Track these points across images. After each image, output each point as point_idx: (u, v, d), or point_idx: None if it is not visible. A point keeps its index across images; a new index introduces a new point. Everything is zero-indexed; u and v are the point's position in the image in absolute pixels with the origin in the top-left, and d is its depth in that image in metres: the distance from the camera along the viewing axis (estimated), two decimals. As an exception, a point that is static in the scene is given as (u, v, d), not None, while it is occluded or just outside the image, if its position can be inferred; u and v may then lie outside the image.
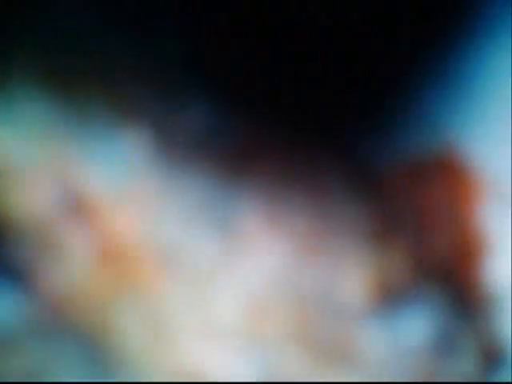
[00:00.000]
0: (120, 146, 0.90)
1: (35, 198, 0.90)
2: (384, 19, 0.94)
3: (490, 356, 0.96)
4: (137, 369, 0.89)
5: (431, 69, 0.96)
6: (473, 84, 0.97)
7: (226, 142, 0.92)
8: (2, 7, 0.84)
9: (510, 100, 0.96)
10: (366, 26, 0.93)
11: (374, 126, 0.95)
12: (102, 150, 0.90)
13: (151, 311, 0.90)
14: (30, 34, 0.89)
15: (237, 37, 0.90)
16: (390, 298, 0.94)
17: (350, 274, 0.94)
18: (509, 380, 0.95)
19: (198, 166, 0.91)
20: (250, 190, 0.92)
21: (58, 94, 0.90)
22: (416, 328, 0.94)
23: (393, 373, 0.93)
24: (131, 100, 0.91)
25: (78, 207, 0.90)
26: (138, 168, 0.91)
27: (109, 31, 0.88)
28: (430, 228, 0.95)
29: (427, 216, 0.95)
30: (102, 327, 0.90)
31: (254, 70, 0.90)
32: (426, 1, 0.95)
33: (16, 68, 0.89)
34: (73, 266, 0.90)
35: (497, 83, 0.97)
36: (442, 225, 0.95)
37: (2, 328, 0.89)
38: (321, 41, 0.91)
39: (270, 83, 0.91)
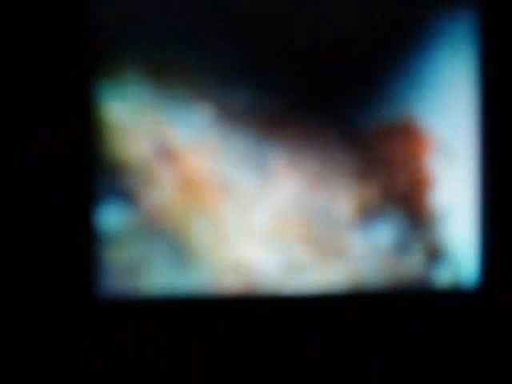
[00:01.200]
0: (194, 114, 1.32)
1: (138, 146, 1.31)
2: (370, 30, 1.35)
3: (435, 254, 1.39)
4: (204, 260, 1.33)
5: (399, 62, 1.37)
6: (426, 73, 1.38)
7: (262, 114, 1.34)
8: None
9: (451, 86, 1.38)
10: (353, 37, 1.34)
11: (358, 101, 1.35)
12: (183, 116, 1.32)
13: (214, 221, 1.33)
14: (137, 37, 1.30)
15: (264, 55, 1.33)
16: (367, 215, 1.37)
17: (341, 199, 1.36)
18: (448, 272, 1.37)
19: (244, 128, 1.33)
20: (277, 144, 1.35)
21: (155, 79, 1.31)
22: (384, 235, 1.37)
23: (368, 263, 1.37)
24: (202, 86, 1.32)
25: (166, 153, 1.32)
26: (206, 128, 1.33)
27: (187, 46, 1.30)
28: (394, 170, 1.37)
29: (393, 162, 1.37)
30: (182, 232, 1.33)
31: (278, 73, 1.32)
32: (391, 15, 1.35)
33: (128, 60, 1.30)
34: (163, 191, 1.32)
35: (442, 74, 1.38)
36: (403, 168, 1.37)
37: (116, 229, 1.31)
38: (320, 58, 1.32)
39: (289, 79, 1.33)
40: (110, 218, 1.31)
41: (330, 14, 1.34)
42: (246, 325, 1.34)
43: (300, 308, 1.35)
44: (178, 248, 1.32)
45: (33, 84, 1.27)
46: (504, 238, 1.38)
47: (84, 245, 1.29)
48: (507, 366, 1.38)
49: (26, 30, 1.26)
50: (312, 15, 1.34)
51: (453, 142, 1.38)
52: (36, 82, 1.27)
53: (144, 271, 1.32)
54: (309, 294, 1.35)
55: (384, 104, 1.36)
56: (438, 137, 1.38)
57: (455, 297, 1.38)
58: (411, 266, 1.38)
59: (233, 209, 1.33)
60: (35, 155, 1.28)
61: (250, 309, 1.34)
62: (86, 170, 1.29)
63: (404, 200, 1.38)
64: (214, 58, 1.32)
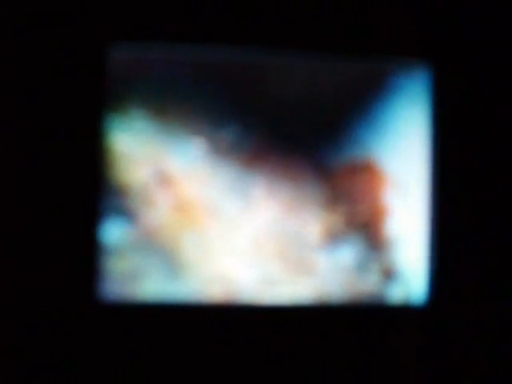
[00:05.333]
0: (188, 147, 1.46)
1: (139, 172, 1.45)
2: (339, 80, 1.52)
3: (390, 274, 1.52)
4: (192, 271, 1.47)
5: (362, 110, 1.51)
6: (384, 120, 1.52)
7: (245, 149, 1.48)
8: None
9: (405, 131, 1.54)
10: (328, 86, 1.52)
11: (327, 142, 1.49)
12: (178, 148, 1.45)
13: (202, 239, 1.46)
14: (143, 80, 1.48)
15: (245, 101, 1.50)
16: (332, 238, 1.50)
17: (310, 224, 1.49)
18: (400, 289, 1.51)
19: (230, 161, 1.48)
20: (258, 175, 1.47)
21: (156, 116, 1.46)
22: (346, 256, 1.50)
23: (332, 280, 1.52)
24: (196, 124, 1.47)
25: (163, 179, 1.45)
26: (198, 159, 1.46)
27: (185, 91, 1.47)
28: (356, 201, 1.51)
29: (355, 194, 1.51)
30: (174, 247, 1.45)
31: (260, 116, 1.49)
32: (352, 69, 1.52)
33: (134, 99, 1.47)
34: (158, 211, 1.45)
35: (398, 120, 1.53)
36: (363, 200, 1.51)
37: (117, 242, 1.44)
38: (295, 104, 1.49)
39: (269, 121, 1.48)
40: (113, 232, 1.44)
41: (305, 68, 1.50)
42: (226, 329, 1.49)
43: (273, 316, 1.49)
44: (170, 261, 1.45)
45: (55, 116, 1.44)
46: (449, 261, 1.51)
47: (89, 255, 1.43)
48: (451, 373, 1.55)
49: (51, 71, 1.44)
50: (289, 68, 1.50)
51: (406, 179, 1.52)
52: (58, 115, 1.43)
53: (140, 279, 1.45)
54: (281, 305, 1.48)
55: (349, 145, 1.51)
56: (393, 174, 1.52)
57: (406, 311, 1.51)
58: (369, 283, 1.51)
59: (218, 229, 1.47)
60: (52, 176, 1.43)
61: (230, 315, 1.47)
62: (94, 191, 1.44)
63: (364, 227, 1.52)
64: (206, 101, 1.47)
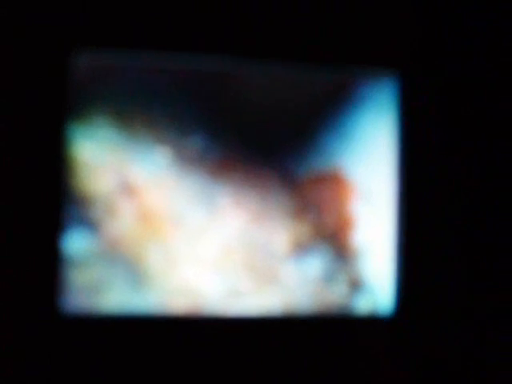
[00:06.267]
0: (153, 155, 1.43)
1: (103, 181, 1.42)
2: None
3: (357, 285, 1.51)
4: (157, 283, 1.45)
5: (329, 120, 1.52)
6: (352, 130, 1.52)
7: (212, 158, 1.45)
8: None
9: (373, 141, 1.54)
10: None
11: (294, 152, 1.48)
12: (143, 157, 1.43)
13: (166, 249, 1.43)
14: (107, 87, 1.45)
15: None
16: (300, 249, 1.49)
17: (277, 234, 1.48)
18: (367, 300, 1.51)
19: (196, 170, 1.47)
20: (225, 184, 1.46)
21: (121, 124, 1.43)
22: (314, 266, 1.49)
23: (299, 291, 1.51)
24: (161, 132, 1.44)
25: (127, 188, 1.42)
26: (163, 168, 1.44)
27: (150, 99, 1.45)
28: (323, 211, 1.50)
29: (322, 204, 1.50)
30: (138, 258, 1.42)
31: (227, 124, 1.48)
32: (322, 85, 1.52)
33: (98, 106, 1.44)
34: (122, 222, 1.42)
35: (365, 130, 1.54)
36: (330, 210, 1.50)
37: (80, 253, 1.41)
38: (263, 113, 1.48)
39: (237, 130, 1.47)
40: (75, 243, 1.41)
41: (272, 77, 1.49)
42: (191, 342, 1.46)
43: (239, 328, 1.48)
44: (135, 272, 1.42)
45: (16, 123, 1.40)
46: (416, 271, 1.50)
47: (51, 266, 1.39)
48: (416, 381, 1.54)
49: (11, 76, 1.40)
50: (258, 77, 1.48)
51: (373, 189, 1.51)
52: (19, 122, 1.40)
53: (103, 291, 1.41)
54: (247, 316, 1.46)
55: (316, 155, 1.50)
56: (360, 184, 1.51)
57: (373, 322, 1.50)
58: (336, 294, 1.50)
59: (183, 239, 1.44)
60: (13, 185, 1.39)
61: (195, 327, 1.46)
62: (57, 200, 1.40)
63: (331, 237, 1.50)
64: (172, 109, 1.44)
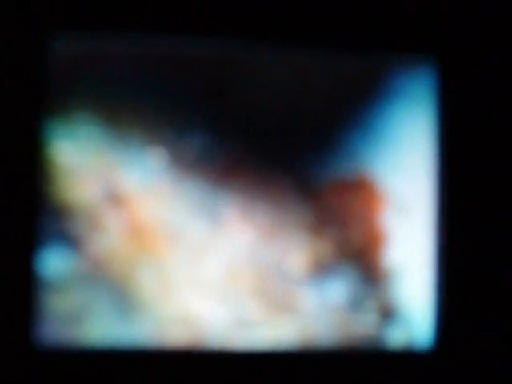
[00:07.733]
0: (146, 159, 1.26)
1: (86, 189, 1.25)
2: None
3: (389, 313, 1.36)
4: (150, 310, 1.26)
5: (356, 117, 1.35)
6: (383, 128, 1.35)
7: (215, 162, 1.28)
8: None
9: (408, 141, 1.36)
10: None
11: (313, 153, 1.32)
12: (134, 160, 1.26)
13: (162, 271, 1.26)
14: (91, 77, 1.27)
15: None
16: (320, 270, 1.32)
17: (294, 252, 1.30)
18: (401, 331, 1.34)
19: (196, 176, 1.28)
20: (230, 193, 1.29)
21: (108, 121, 1.26)
22: (337, 291, 1.30)
23: (319, 320, 1.32)
24: (156, 130, 1.28)
25: (115, 197, 1.26)
26: (157, 174, 1.28)
27: (142, 91, 1.27)
28: (348, 224, 1.33)
29: (347, 216, 1.33)
30: (128, 280, 1.25)
31: (233, 121, 1.30)
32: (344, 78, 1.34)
33: (80, 99, 1.26)
34: (110, 237, 1.25)
35: (399, 129, 1.36)
36: (357, 223, 1.33)
37: (59, 275, 1.25)
38: (276, 108, 1.30)
39: (244, 127, 1.30)
40: (53, 262, 1.23)
41: (289, 66, 1.32)
42: (190, 381, 1.28)
43: (249, 364, 1.28)
44: (123, 297, 1.24)
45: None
46: (460, 298, 1.32)
47: (24, 291, 1.22)
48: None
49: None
50: (269, 66, 1.31)
51: (409, 198, 1.32)
52: None
53: (86, 320, 1.23)
54: (258, 350, 1.28)
55: (340, 157, 1.31)
56: (393, 192, 1.32)
57: (408, 358, 1.31)
58: (364, 324, 1.31)
59: (182, 258, 1.26)
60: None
61: (196, 364, 1.27)
62: (30, 212, 1.22)
63: (358, 256, 1.31)
64: (168, 103, 1.26)
